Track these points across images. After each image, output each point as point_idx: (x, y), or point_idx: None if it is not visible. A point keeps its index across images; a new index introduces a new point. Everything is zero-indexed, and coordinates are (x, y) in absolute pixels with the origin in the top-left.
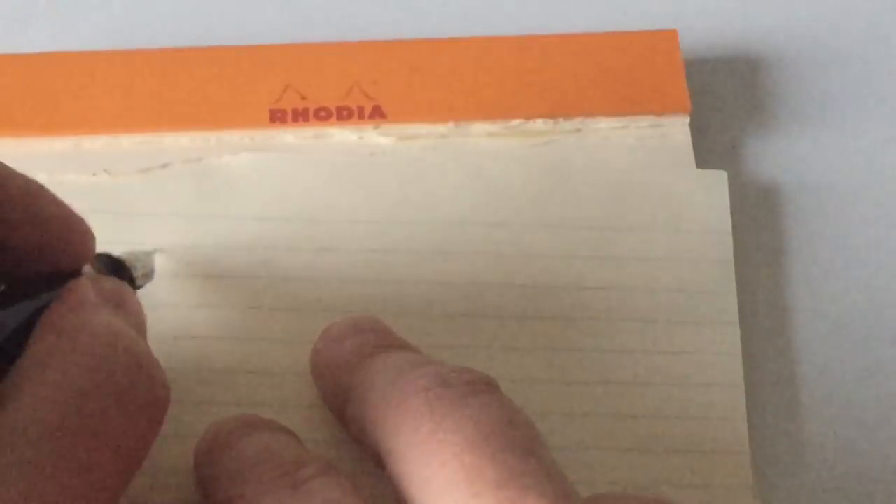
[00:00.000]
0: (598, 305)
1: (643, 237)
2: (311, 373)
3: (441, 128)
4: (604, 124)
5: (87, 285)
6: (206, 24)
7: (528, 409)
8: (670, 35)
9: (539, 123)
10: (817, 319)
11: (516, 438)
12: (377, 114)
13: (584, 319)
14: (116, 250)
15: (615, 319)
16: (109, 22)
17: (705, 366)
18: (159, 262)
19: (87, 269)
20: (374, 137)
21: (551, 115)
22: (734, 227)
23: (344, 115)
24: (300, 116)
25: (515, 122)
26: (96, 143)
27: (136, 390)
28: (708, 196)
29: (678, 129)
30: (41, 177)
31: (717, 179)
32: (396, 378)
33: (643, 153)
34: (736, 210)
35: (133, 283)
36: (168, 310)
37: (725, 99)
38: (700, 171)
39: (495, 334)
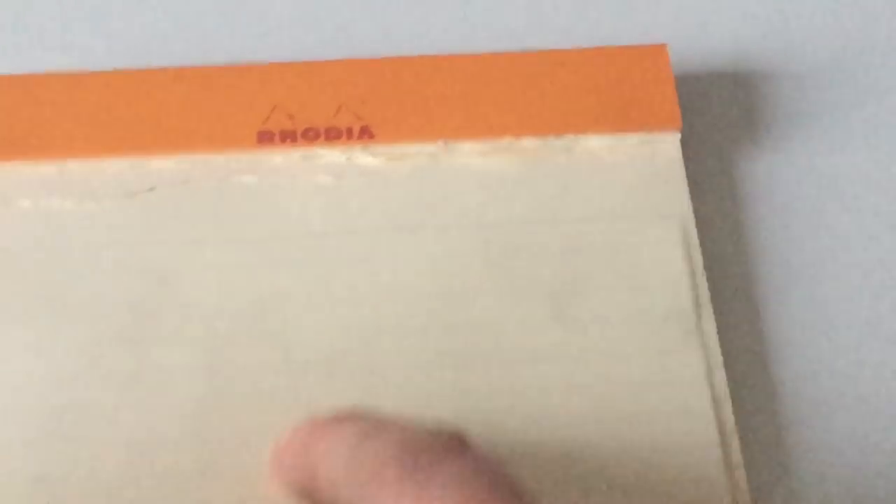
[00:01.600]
0: (578, 342)
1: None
2: (271, 469)
3: (430, 147)
4: (594, 142)
5: None
6: (191, 44)
7: (501, 450)
8: (660, 50)
9: (529, 142)
10: (800, 342)
11: (499, 494)
12: (366, 134)
13: (562, 358)
14: None
15: (595, 356)
16: (91, 43)
17: (685, 413)
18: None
19: None
20: (363, 158)
21: (541, 133)
22: (722, 238)
23: (332, 135)
24: (288, 137)
25: (505, 140)
26: (81, 167)
27: None
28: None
29: (669, 146)
30: (25, 203)
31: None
32: (365, 444)
33: (634, 171)
34: (730, 225)
35: None
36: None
37: (717, 115)
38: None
39: (471, 370)
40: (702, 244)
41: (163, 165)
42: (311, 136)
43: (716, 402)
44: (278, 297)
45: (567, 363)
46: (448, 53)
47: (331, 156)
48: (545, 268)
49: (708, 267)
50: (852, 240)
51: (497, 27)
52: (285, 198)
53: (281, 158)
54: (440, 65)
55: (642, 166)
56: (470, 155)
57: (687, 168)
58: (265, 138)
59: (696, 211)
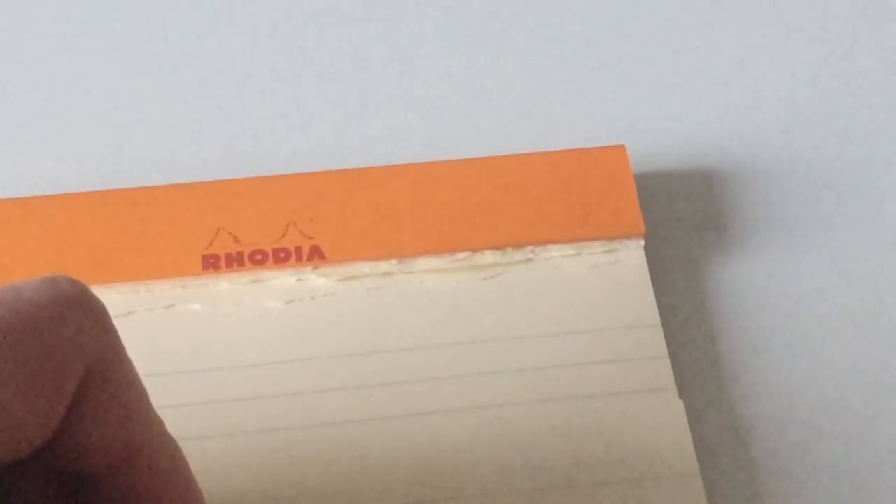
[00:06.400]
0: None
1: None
2: None
3: (384, 265)
4: (555, 252)
5: None
6: (127, 165)
7: None
8: (619, 150)
9: (487, 255)
10: (775, 447)
11: None
12: (316, 254)
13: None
14: None
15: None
16: (23, 168)
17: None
18: None
19: None
20: (314, 279)
21: (500, 245)
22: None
23: (281, 257)
24: (234, 262)
25: (462, 255)
26: None
27: None
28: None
29: (633, 253)
30: None
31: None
32: None
33: (598, 281)
34: (698, 331)
35: None
36: None
37: (682, 215)
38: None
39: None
40: (670, 352)
41: (104, 296)
42: (258, 259)
43: None
44: (231, 430)
45: None
46: (398, 163)
47: (280, 279)
48: (512, 389)
49: (677, 375)
50: (828, 345)
51: (449, 133)
52: (234, 326)
53: (228, 284)
54: (391, 175)
55: (606, 276)
56: (426, 272)
57: (651, 272)
58: (210, 263)
59: (662, 317)
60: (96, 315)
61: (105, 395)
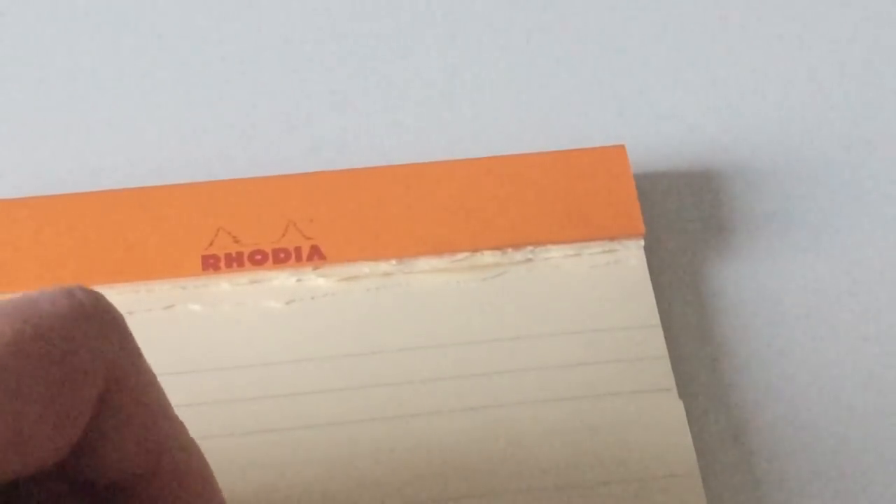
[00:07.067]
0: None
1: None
2: None
3: (384, 265)
4: (555, 252)
5: None
6: (125, 165)
7: None
8: (618, 151)
9: (487, 256)
10: (773, 447)
11: None
12: (316, 254)
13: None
14: None
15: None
16: (23, 168)
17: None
18: None
19: None
20: (314, 280)
21: (499, 245)
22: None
23: (281, 257)
24: (234, 262)
25: (462, 255)
26: None
27: None
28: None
29: (633, 253)
30: None
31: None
32: None
33: (597, 281)
34: (698, 331)
35: None
36: None
37: (681, 215)
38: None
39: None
40: (669, 352)
41: None
42: (258, 259)
43: None
44: (231, 430)
45: None
46: (398, 163)
47: (280, 279)
48: (512, 389)
49: (677, 375)
50: (828, 345)
51: (449, 133)
52: (234, 326)
53: (227, 284)
54: (391, 175)
55: (606, 276)
56: (426, 272)
57: (651, 272)
58: (210, 263)
59: (662, 317)
60: (115, 325)
61: (125, 405)
